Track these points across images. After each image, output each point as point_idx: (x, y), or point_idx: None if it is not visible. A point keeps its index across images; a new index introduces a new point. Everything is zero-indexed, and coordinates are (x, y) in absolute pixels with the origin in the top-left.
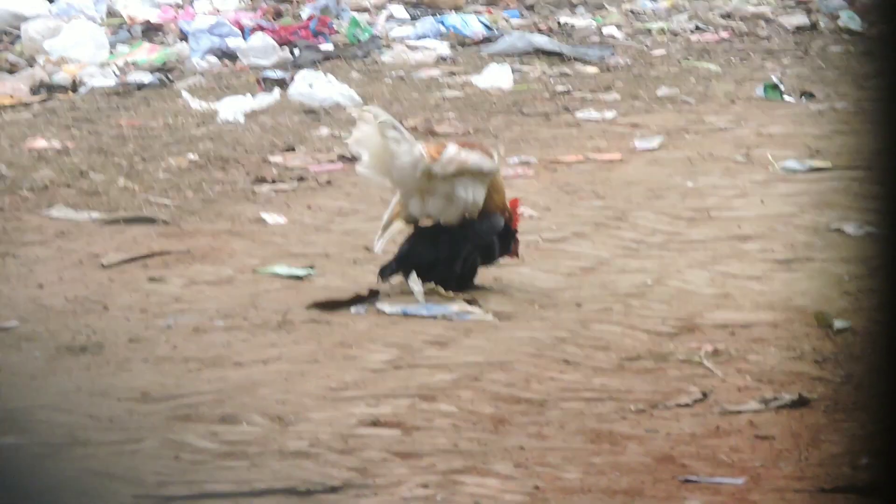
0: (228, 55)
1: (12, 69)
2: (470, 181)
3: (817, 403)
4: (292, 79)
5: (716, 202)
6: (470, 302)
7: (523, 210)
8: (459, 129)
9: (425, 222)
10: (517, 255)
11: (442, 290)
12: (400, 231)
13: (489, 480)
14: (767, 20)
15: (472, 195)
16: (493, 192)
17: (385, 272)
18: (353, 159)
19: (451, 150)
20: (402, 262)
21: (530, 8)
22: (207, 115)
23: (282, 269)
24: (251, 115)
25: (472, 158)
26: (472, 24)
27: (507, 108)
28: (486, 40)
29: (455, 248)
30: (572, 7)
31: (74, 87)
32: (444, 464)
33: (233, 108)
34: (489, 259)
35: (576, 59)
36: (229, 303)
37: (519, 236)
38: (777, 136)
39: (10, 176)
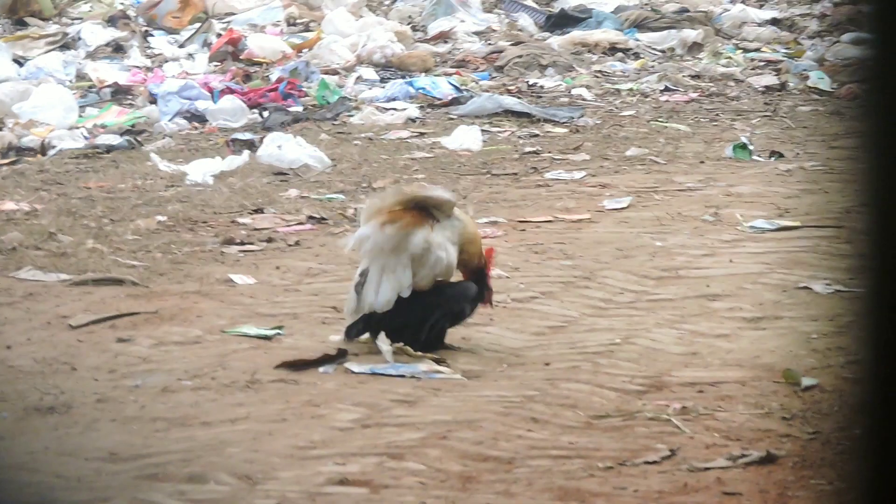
0: (198, 118)
1: None
2: (439, 242)
3: (785, 460)
4: (261, 141)
5: (684, 261)
6: (438, 361)
7: (495, 260)
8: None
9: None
10: (490, 303)
11: (410, 350)
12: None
13: None
14: (737, 80)
15: (445, 256)
16: (468, 244)
17: (351, 332)
18: (321, 220)
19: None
20: (370, 324)
21: (500, 69)
22: (176, 177)
23: (250, 329)
24: (220, 177)
25: (431, 192)
26: (441, 85)
27: (476, 168)
28: (456, 102)
29: (424, 313)
30: (542, 68)
31: (43, 149)
32: None
33: (202, 170)
34: (458, 322)
35: (545, 119)
36: (197, 363)
37: (492, 286)
38: (746, 195)
39: None
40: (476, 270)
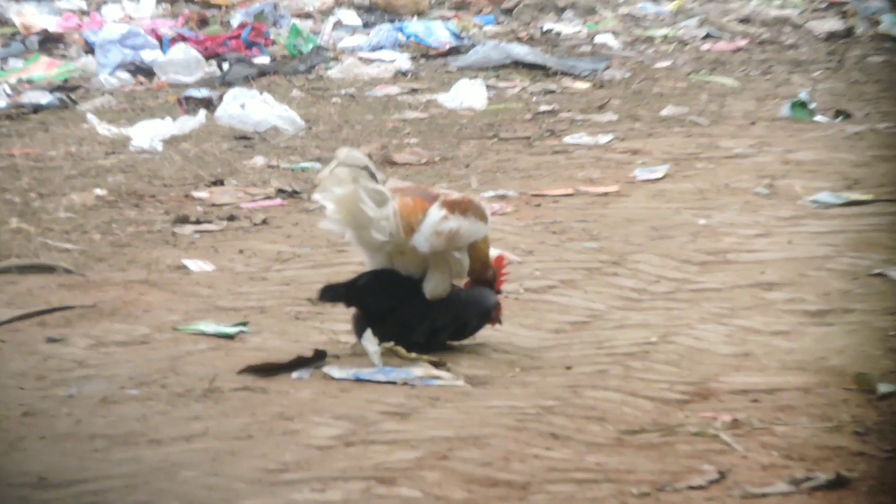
0: (143, 71)
1: None
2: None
3: (859, 483)
4: (220, 99)
5: (733, 243)
6: (436, 364)
7: (508, 265)
8: (423, 157)
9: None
10: (499, 321)
11: (402, 351)
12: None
13: None
14: (794, 25)
15: (458, 262)
16: (479, 242)
17: (326, 294)
18: (293, 193)
19: (435, 215)
20: (350, 292)
21: (508, 12)
22: (118, 142)
23: (208, 326)
24: (171, 142)
25: (465, 228)
26: (437, 32)
27: (480, 131)
28: (455, 51)
29: (420, 311)
30: (559, 11)
31: None
32: None
33: (149, 134)
34: (459, 337)
35: (563, 72)
36: (144, 368)
37: (501, 297)
38: (807, 163)
39: None
40: (482, 280)
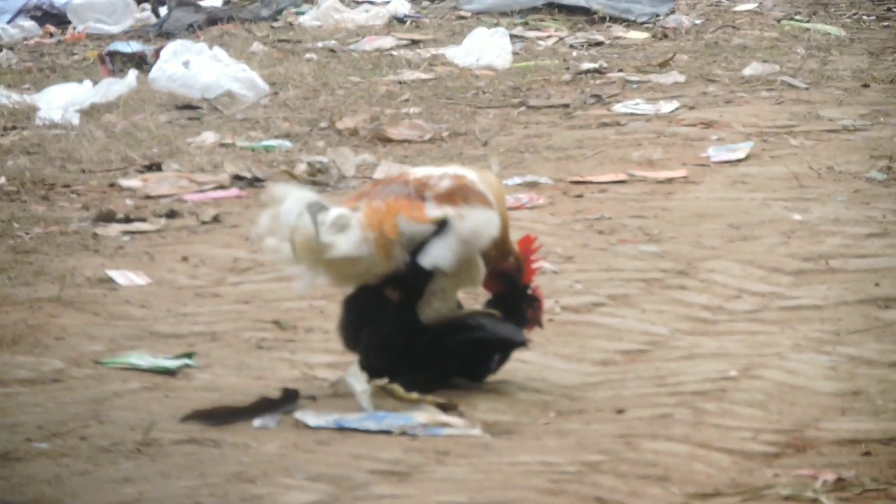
0: (54, 17)
1: None
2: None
3: None
4: (157, 55)
5: (838, 245)
6: (445, 408)
7: (540, 253)
8: (426, 131)
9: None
10: (539, 324)
11: (399, 390)
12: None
13: None
14: None
15: (472, 272)
16: None
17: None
18: (254, 181)
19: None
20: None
21: None
22: (21, 112)
23: (141, 358)
24: (91, 114)
25: (480, 222)
26: None
27: (502, 97)
28: None
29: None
30: None
31: None
32: None
33: (61, 102)
34: (474, 372)
35: (613, 18)
36: (58, 414)
37: (536, 294)
38: None
39: None
40: (504, 274)
